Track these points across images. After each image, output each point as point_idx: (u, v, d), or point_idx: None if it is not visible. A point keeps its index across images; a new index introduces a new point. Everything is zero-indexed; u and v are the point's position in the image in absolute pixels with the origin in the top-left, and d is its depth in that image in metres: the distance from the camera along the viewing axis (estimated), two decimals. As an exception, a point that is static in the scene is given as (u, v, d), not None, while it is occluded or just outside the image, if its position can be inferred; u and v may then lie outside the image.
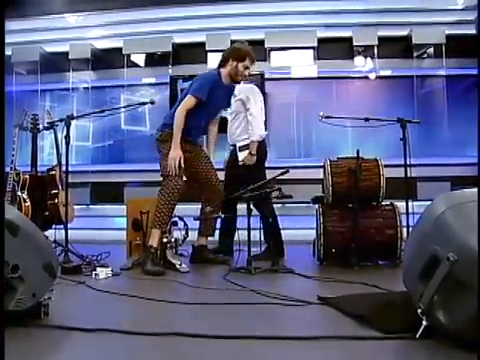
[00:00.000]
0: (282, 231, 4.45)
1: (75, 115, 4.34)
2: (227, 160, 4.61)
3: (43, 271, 2.08)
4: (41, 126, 4.99)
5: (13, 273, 1.94)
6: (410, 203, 4.03)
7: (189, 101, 3.88)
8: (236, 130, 4.42)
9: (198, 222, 4.24)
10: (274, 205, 4.40)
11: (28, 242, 2.03)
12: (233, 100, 4.39)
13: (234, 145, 4.45)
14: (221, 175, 4.41)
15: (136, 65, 6.99)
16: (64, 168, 4.18)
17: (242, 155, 4.34)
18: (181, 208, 4.55)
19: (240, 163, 4.32)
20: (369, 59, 6.62)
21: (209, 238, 4.29)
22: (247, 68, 3.99)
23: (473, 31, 6.30)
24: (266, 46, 6.53)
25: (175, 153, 3.80)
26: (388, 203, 4.08)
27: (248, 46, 4.08)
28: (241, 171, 4.29)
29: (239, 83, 4.16)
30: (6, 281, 1.91)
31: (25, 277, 1.98)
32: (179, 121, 3.83)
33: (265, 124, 4.58)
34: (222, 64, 4.04)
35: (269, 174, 4.19)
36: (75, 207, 4.92)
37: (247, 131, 4.32)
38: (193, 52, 6.76)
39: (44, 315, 2.12)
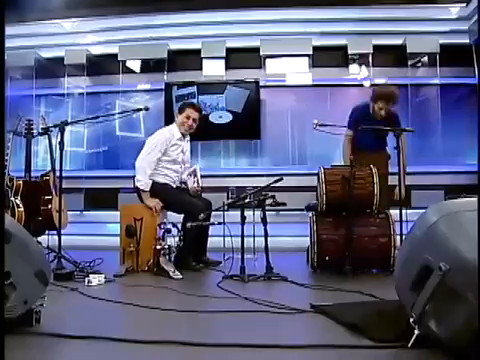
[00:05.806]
0: (277, 238, 4.46)
1: (70, 121, 4.35)
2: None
3: (35, 278, 2.07)
4: (35, 131, 4.98)
5: (5, 280, 1.93)
6: (404, 211, 4.04)
7: None
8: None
9: None
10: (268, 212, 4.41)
11: (20, 249, 2.02)
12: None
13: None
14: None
15: (131, 71, 6.98)
16: (58, 174, 4.18)
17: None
18: (175, 215, 4.56)
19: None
20: (364, 67, 6.65)
21: None
22: (381, 109, 4.49)
23: (466, 40, 6.35)
24: (261, 53, 6.54)
25: None
26: (382, 211, 4.09)
27: (384, 88, 4.80)
28: None
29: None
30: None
31: (17, 284, 1.97)
32: None
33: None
34: None
35: (263, 182, 4.19)
36: (69, 213, 4.90)
37: None
38: (188, 59, 6.77)
39: (36, 322, 2.12)
